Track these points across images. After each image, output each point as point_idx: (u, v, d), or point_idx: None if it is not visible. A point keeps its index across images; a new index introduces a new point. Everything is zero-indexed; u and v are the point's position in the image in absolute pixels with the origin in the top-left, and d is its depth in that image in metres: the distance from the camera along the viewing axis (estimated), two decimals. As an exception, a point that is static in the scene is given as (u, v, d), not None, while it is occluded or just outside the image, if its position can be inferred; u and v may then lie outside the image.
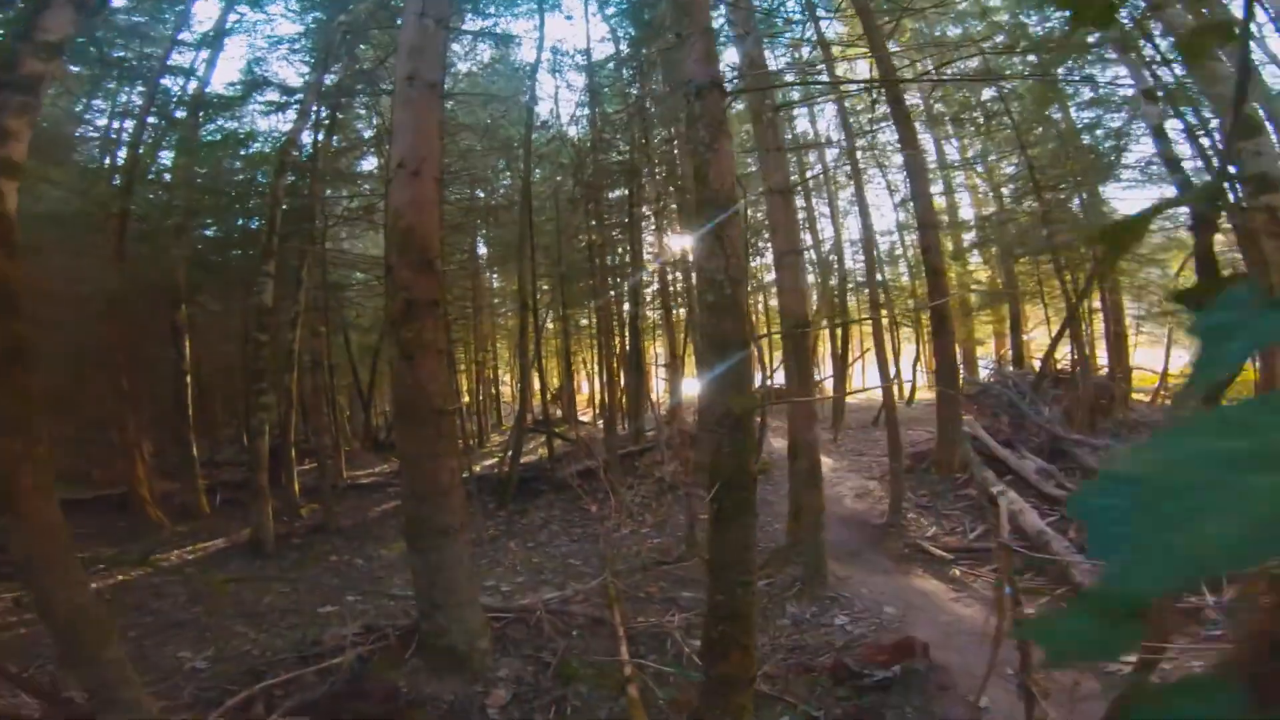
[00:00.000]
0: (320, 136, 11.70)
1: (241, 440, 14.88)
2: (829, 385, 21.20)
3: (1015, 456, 9.54)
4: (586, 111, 15.24)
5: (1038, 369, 13.19)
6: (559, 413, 20.26)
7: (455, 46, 14.95)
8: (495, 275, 23.88)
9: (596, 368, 22.35)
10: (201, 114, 11.40)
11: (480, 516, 9.15)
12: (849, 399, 16.92)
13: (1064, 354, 13.94)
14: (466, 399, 22.67)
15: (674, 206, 14.42)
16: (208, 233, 12.30)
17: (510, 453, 11.10)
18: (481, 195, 18.48)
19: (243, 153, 11.73)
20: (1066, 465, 9.35)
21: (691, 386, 21.04)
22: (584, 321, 21.03)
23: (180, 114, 11.17)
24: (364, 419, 16.29)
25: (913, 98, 12.44)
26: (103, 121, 12.09)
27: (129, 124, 11.35)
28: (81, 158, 11.91)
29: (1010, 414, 11.27)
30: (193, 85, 11.47)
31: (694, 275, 15.58)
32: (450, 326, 10.31)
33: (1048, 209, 11.97)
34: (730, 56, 9.81)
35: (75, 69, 10.99)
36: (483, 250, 21.78)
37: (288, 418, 10.09)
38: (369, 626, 5.05)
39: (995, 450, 9.70)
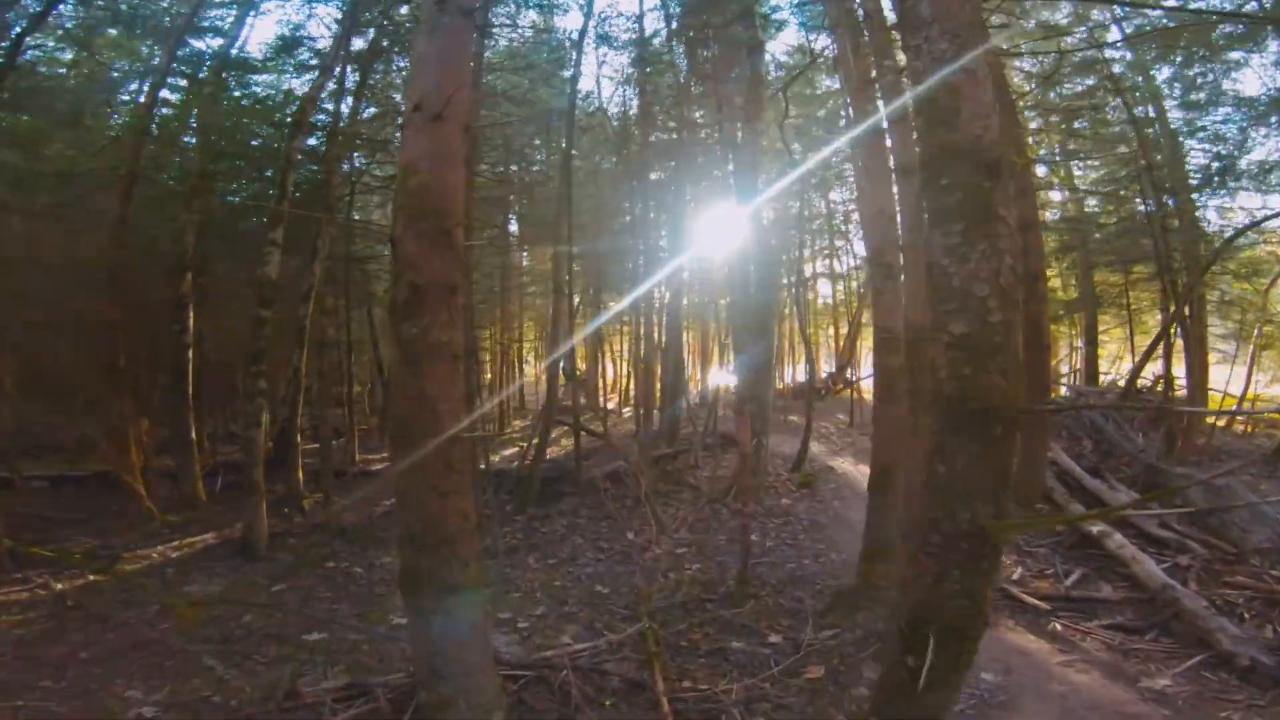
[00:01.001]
0: (350, 101, 10.70)
1: (272, 410, 14.14)
2: (865, 385, 19.93)
3: (1106, 488, 8.28)
4: (632, 87, 14.09)
5: (1121, 387, 11.84)
6: (583, 399, 19.26)
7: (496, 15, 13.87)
8: (525, 254, 22.85)
9: (628, 354, 21.27)
10: (227, 75, 10.44)
11: (496, 523, 8.13)
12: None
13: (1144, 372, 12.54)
14: (489, 376, 21.79)
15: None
16: (228, 199, 11.33)
17: (535, 447, 10.04)
18: (516, 169, 17.37)
19: (263, 114, 10.72)
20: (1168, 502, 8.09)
21: (720, 378, 20.11)
22: (616, 306, 19.90)
23: (202, 74, 10.23)
24: (383, 399, 15.36)
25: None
26: (133, 86, 11.32)
27: (149, 84, 10.46)
28: (97, 119, 11.03)
29: (1094, 438, 9.97)
30: (218, 43, 10.54)
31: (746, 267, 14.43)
32: (473, 317, 9.20)
33: (1162, 212, 10.50)
34: None
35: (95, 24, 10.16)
36: (514, 228, 20.74)
37: (296, 399, 9.14)
38: (355, 684, 4.03)
39: (1084, 480, 8.43)
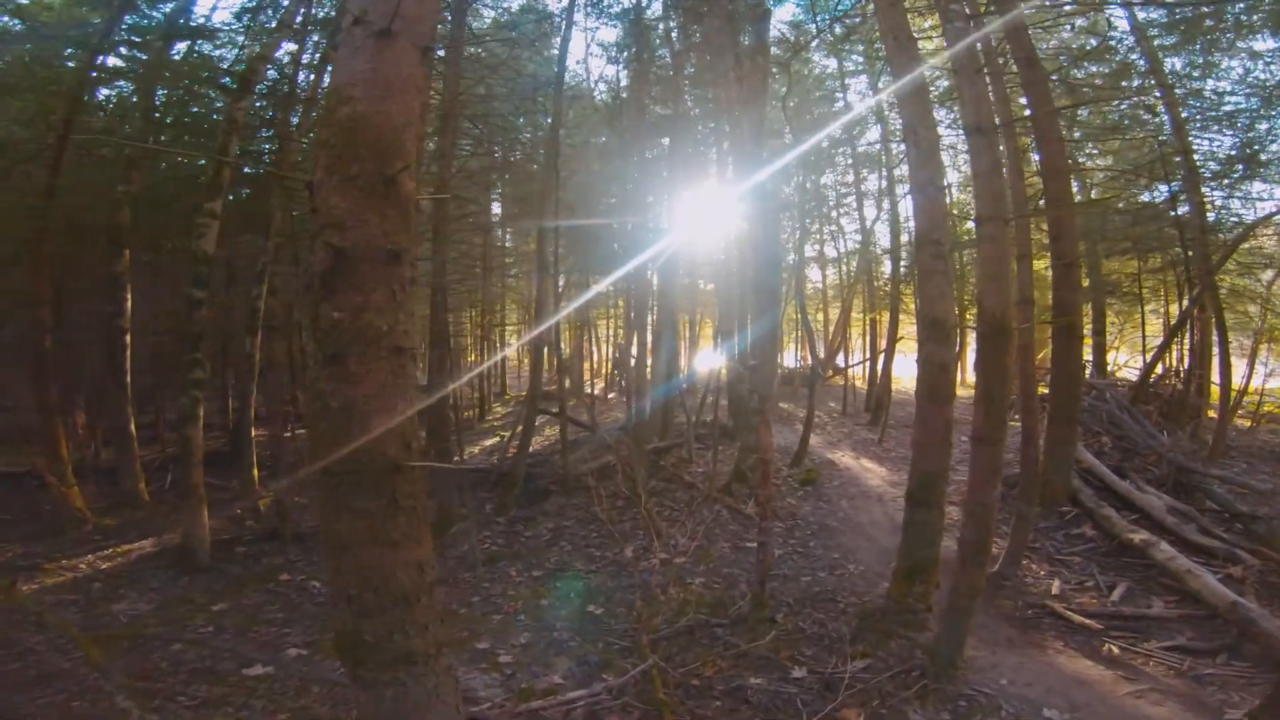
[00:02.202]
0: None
1: (225, 399, 13.00)
2: (857, 372, 19.25)
3: (1135, 490, 7.58)
4: (622, 63, 13.08)
5: (1135, 381, 11.20)
6: (568, 383, 18.32)
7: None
8: (508, 235, 21.75)
9: (614, 338, 20.34)
10: (178, 42, 9.29)
11: (474, 527, 7.23)
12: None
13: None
14: (473, 357, 20.75)
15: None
16: (171, 170, 10.14)
17: (517, 440, 9.10)
18: (500, 147, 16.24)
19: (210, 80, 9.59)
20: (1199, 505, 7.42)
21: (708, 359, 19.26)
22: (604, 284, 18.93)
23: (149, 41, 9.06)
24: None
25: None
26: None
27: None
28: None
29: (1113, 434, 9.28)
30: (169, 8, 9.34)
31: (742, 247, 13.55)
32: (446, 299, 8.21)
33: (1184, 200, 9.78)
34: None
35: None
36: (497, 209, 19.66)
37: (249, 388, 8.11)
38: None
39: (1109, 480, 7.73)
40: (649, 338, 12.80)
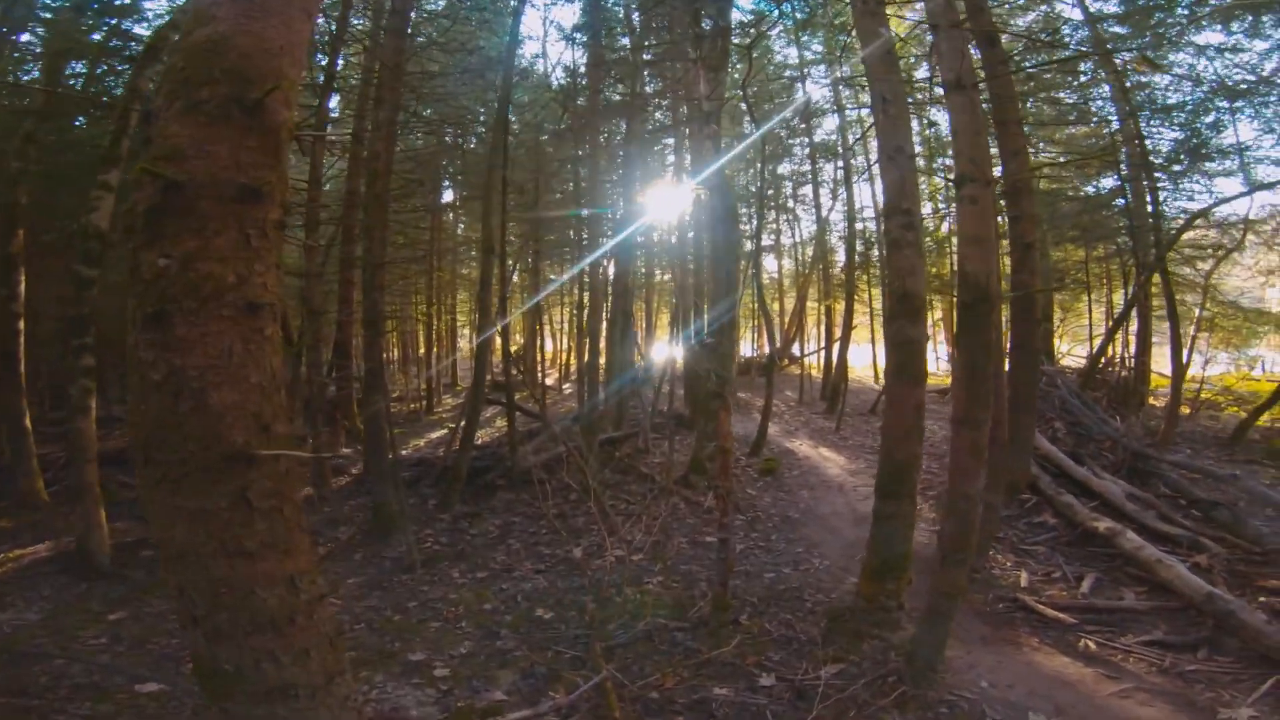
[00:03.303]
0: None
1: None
2: (811, 361, 19.12)
3: (1093, 476, 7.44)
4: (577, 44, 12.45)
5: (1084, 367, 11.21)
6: (520, 374, 17.63)
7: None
8: (461, 222, 20.89)
9: (568, 327, 19.71)
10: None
11: (414, 525, 6.60)
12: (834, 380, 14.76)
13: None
14: (424, 349, 19.81)
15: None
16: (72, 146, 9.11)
17: (462, 430, 8.42)
18: (451, 132, 15.40)
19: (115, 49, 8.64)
20: (1155, 491, 7.31)
21: (665, 349, 18.82)
22: (556, 276, 18.30)
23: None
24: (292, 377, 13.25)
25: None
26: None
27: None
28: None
29: (1066, 420, 9.18)
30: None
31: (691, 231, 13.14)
32: (375, 278, 7.49)
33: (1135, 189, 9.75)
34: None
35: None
36: (449, 197, 18.80)
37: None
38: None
39: (1070, 468, 7.57)
40: (604, 327, 12.27)
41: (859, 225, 14.67)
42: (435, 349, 19.41)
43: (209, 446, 1.64)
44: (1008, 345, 7.32)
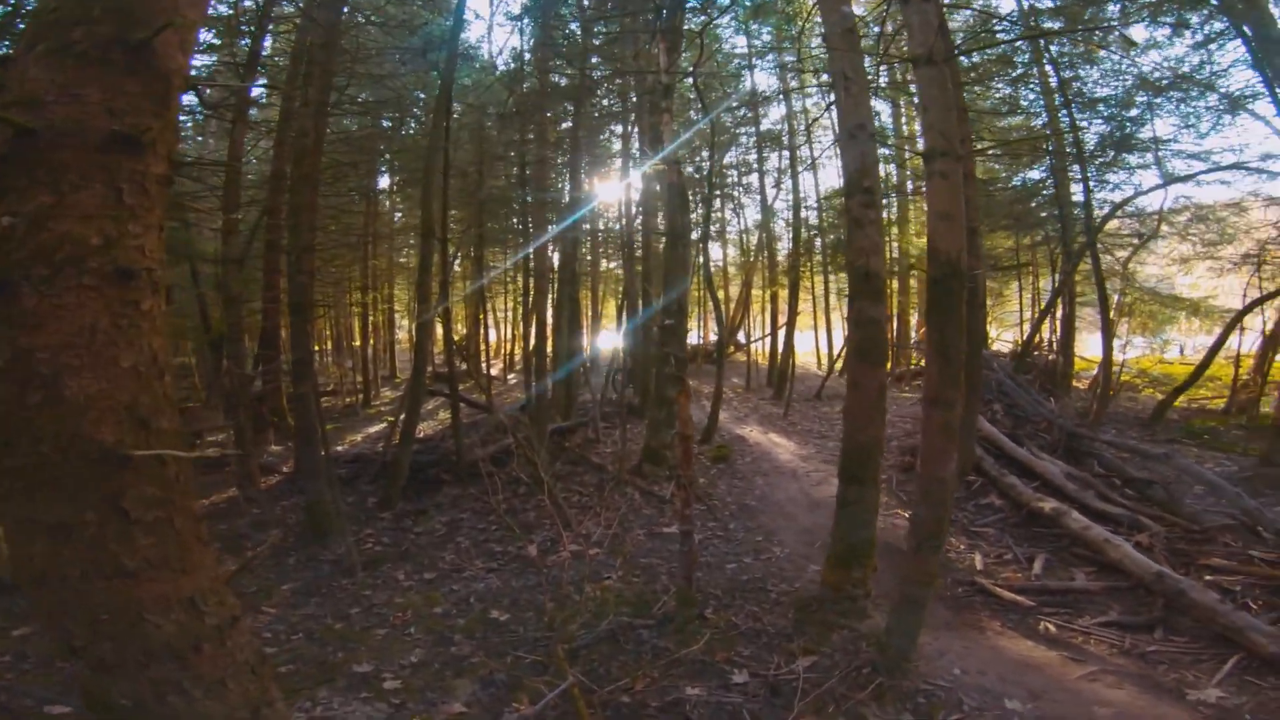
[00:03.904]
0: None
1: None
2: (757, 348, 19.23)
3: (1032, 456, 7.62)
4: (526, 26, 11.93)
5: (1018, 351, 11.56)
6: (463, 365, 17.00)
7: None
8: (399, 210, 19.98)
9: (513, 315, 19.13)
10: None
11: (353, 525, 6.13)
12: (777, 366, 14.85)
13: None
14: (360, 340, 18.87)
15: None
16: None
17: (402, 423, 7.91)
18: (390, 118, 14.55)
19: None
20: (1090, 470, 7.54)
21: (612, 337, 18.53)
22: (501, 265, 17.73)
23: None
24: (216, 372, 12.24)
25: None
26: None
27: None
28: None
29: (1004, 402, 9.42)
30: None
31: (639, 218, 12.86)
32: (301, 259, 6.93)
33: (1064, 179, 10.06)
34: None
35: None
36: (385, 183, 17.93)
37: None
38: None
39: (1011, 449, 7.73)
40: (549, 315, 11.90)
41: (803, 214, 14.73)
42: (372, 340, 18.52)
43: (68, 447, 1.29)
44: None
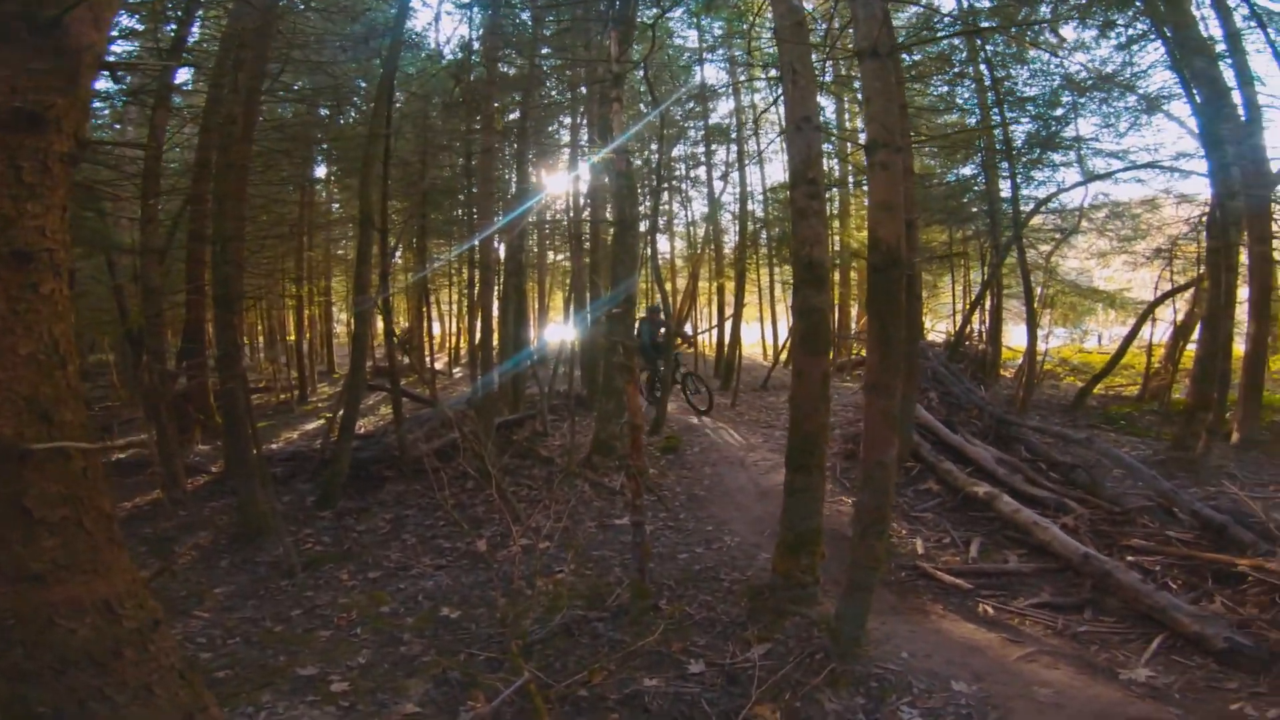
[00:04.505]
0: None
1: None
2: (703, 339, 19.39)
3: (965, 442, 7.92)
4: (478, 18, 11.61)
5: (951, 340, 12.01)
6: (406, 359, 16.52)
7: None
8: (336, 200, 19.25)
9: (458, 309, 18.71)
10: None
11: (291, 525, 5.87)
12: (723, 358, 15.05)
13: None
14: (294, 337, 18.08)
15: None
16: None
17: (341, 419, 7.58)
18: (329, 106, 13.93)
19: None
20: (1017, 455, 7.90)
21: (560, 330, 18.35)
22: (445, 256, 17.29)
23: None
24: (136, 368, 11.44)
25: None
26: None
27: None
28: None
29: (939, 390, 9.77)
30: None
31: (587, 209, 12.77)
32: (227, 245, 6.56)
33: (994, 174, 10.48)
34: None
35: None
36: (322, 172, 17.24)
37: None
38: None
39: (946, 436, 8.01)
40: (495, 308, 11.67)
41: (749, 207, 14.91)
42: (308, 334, 17.79)
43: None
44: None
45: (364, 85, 13.35)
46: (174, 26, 8.71)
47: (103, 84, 8.96)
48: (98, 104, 10.39)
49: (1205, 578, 4.61)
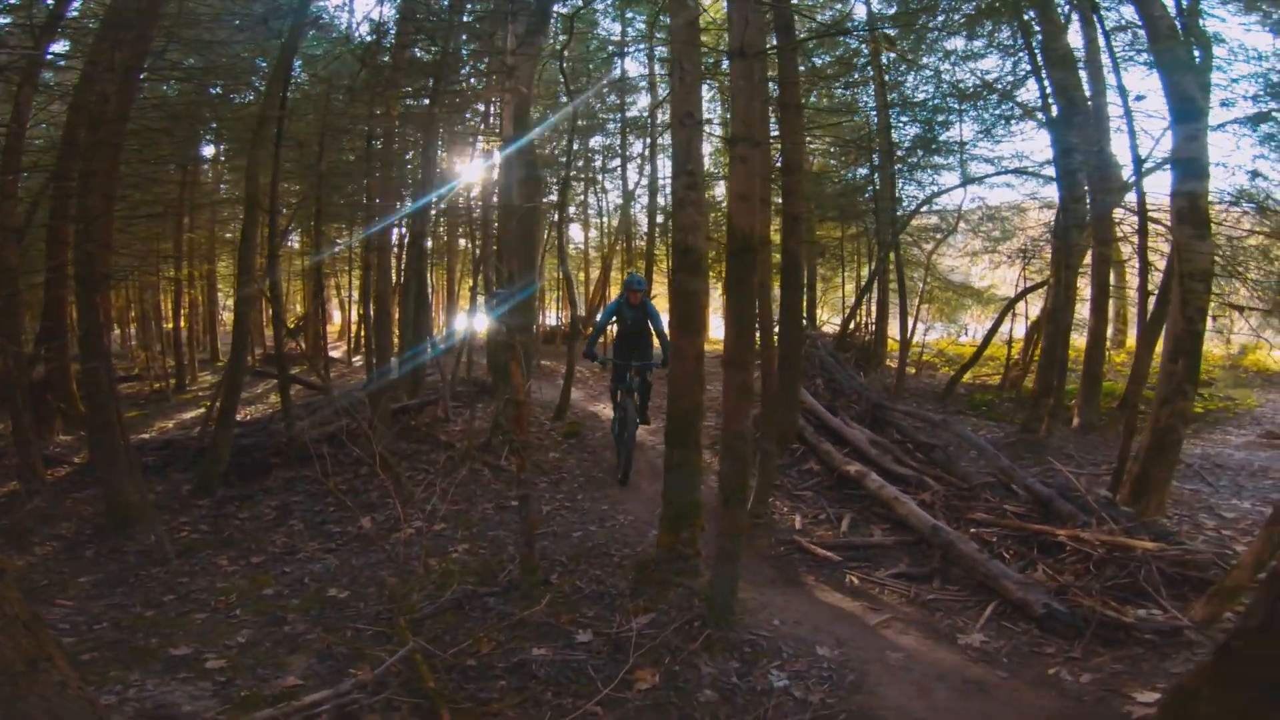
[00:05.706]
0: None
1: None
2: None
3: (844, 425, 8.55)
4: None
5: (838, 332, 12.83)
6: (301, 346, 15.77)
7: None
8: (224, 182, 18.05)
9: (358, 297, 17.98)
10: None
11: (165, 514, 5.60)
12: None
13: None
14: (171, 324, 16.84)
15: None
16: None
17: (220, 405, 7.23)
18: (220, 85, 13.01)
19: None
20: (890, 437, 8.60)
21: (466, 319, 18.00)
22: (345, 243, 16.62)
23: None
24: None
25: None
26: None
27: None
28: None
29: (825, 377, 10.47)
30: None
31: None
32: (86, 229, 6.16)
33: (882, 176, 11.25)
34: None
35: None
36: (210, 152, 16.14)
37: None
38: None
39: (827, 419, 8.62)
40: (396, 295, 11.40)
41: (660, 199, 15.28)
42: (186, 320, 16.62)
43: None
44: (778, 311, 8.10)
45: (265, 65, 12.61)
46: (51, 1, 7.98)
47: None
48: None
49: (1033, 548, 5.08)
